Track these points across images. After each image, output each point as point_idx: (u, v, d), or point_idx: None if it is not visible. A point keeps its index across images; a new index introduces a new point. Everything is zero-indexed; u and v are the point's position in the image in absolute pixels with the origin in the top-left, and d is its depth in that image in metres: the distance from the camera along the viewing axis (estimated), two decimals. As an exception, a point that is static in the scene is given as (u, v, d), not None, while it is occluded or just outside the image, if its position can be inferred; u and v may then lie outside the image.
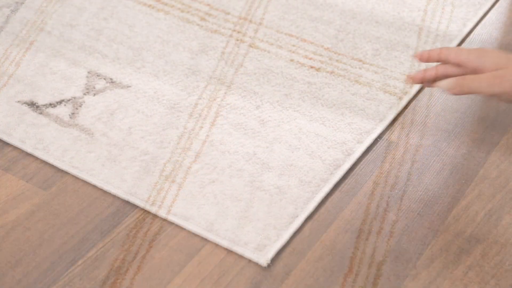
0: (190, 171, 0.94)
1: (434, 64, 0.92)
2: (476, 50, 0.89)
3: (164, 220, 0.88)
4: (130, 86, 1.07)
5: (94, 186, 0.92)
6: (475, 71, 0.88)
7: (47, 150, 0.96)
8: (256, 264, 0.84)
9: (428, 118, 1.04)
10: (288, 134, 1.00)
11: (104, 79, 1.08)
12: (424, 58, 0.92)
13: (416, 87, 1.08)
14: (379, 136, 1.00)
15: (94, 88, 1.06)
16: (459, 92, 0.88)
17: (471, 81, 0.87)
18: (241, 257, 0.84)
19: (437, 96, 1.07)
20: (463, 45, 1.17)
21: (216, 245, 0.86)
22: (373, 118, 1.03)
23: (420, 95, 1.08)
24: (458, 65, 0.89)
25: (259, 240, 0.86)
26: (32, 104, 1.03)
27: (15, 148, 0.97)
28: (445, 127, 1.02)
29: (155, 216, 0.89)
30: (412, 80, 0.92)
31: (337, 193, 0.92)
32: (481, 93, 0.87)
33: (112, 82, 1.08)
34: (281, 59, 1.13)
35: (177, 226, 0.88)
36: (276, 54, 1.14)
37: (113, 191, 0.91)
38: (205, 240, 0.86)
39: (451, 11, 1.24)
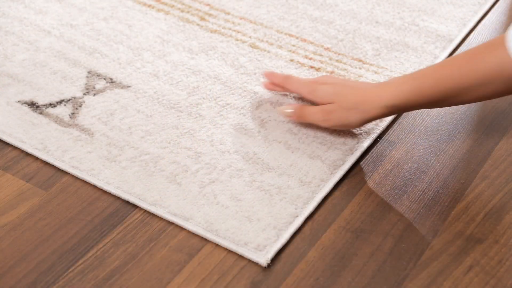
0: (190, 171, 0.94)
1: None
2: (311, 83, 0.98)
3: (164, 220, 0.88)
4: (130, 86, 1.07)
5: (94, 186, 0.92)
6: (311, 100, 0.98)
7: (47, 150, 0.96)
8: (256, 264, 0.84)
9: (428, 118, 1.04)
10: (288, 134, 1.00)
11: (104, 79, 1.08)
12: (269, 78, 1.03)
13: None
14: (379, 136, 1.00)
15: (94, 88, 1.06)
16: (296, 120, 0.99)
17: (306, 114, 0.97)
18: (241, 257, 0.84)
19: (437, 96, 1.07)
20: (463, 46, 1.17)
21: (216, 245, 0.86)
22: (373, 118, 1.03)
23: (420, 95, 1.08)
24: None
25: (259, 240, 0.86)
26: (32, 104, 1.03)
27: (15, 148, 0.97)
28: (445, 127, 1.02)
29: (155, 216, 0.89)
30: (264, 84, 1.04)
31: (337, 193, 0.92)
32: (316, 124, 0.97)
33: (112, 82, 1.08)
34: (281, 59, 1.13)
35: (177, 226, 0.88)
36: (276, 54, 1.14)
37: (113, 191, 0.91)
38: (205, 240, 0.86)
39: (451, 11, 1.24)
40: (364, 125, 0.97)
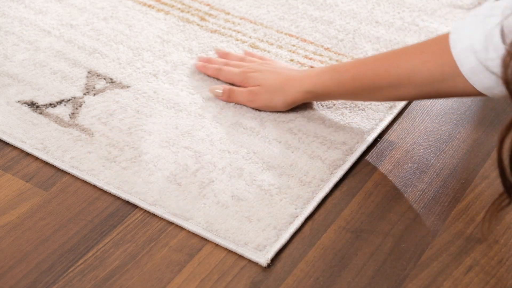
0: (190, 170, 0.94)
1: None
2: (243, 73, 1.04)
3: (164, 220, 0.88)
4: (130, 86, 1.07)
5: (94, 186, 0.92)
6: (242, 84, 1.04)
7: (47, 150, 0.96)
8: (256, 264, 0.84)
9: (428, 118, 1.04)
10: (288, 134, 1.00)
11: (104, 79, 1.08)
12: (201, 68, 1.09)
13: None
14: (379, 136, 1.00)
15: (94, 88, 1.06)
16: (226, 100, 1.03)
17: (235, 94, 1.02)
18: (241, 257, 0.84)
19: (437, 96, 1.07)
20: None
21: (216, 245, 0.86)
22: (373, 118, 1.03)
23: (420, 95, 1.08)
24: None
25: (259, 240, 0.86)
26: (32, 104, 1.03)
27: (15, 148, 0.97)
28: (445, 127, 1.02)
29: (155, 216, 0.89)
30: (197, 66, 1.09)
31: (337, 193, 0.92)
32: (244, 105, 1.03)
33: (112, 82, 1.08)
34: (281, 59, 1.13)
35: (177, 226, 0.88)
36: (276, 54, 1.14)
37: (113, 191, 0.91)
38: (205, 240, 0.86)
39: (451, 11, 1.24)
40: (289, 108, 1.01)
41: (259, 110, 1.03)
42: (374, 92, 0.94)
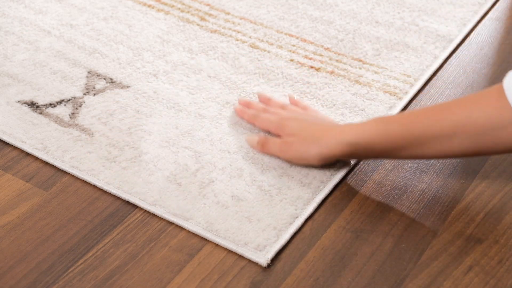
0: (190, 170, 0.94)
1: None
2: (280, 120, 0.96)
3: (164, 220, 0.88)
4: (130, 86, 1.07)
5: (94, 186, 0.92)
6: (277, 134, 0.96)
7: (47, 150, 0.96)
8: (256, 264, 0.84)
9: (428, 118, 1.04)
10: (288, 134, 1.00)
11: (104, 79, 1.08)
12: (239, 113, 1.02)
13: (417, 87, 1.08)
14: (379, 136, 1.00)
15: (94, 88, 1.06)
16: (260, 150, 0.96)
17: (269, 144, 0.95)
18: (241, 257, 0.84)
19: (437, 96, 1.07)
20: (463, 46, 1.17)
21: (216, 245, 0.86)
22: (373, 118, 1.03)
23: (420, 95, 1.08)
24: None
25: (259, 240, 0.86)
26: (32, 104, 1.03)
27: (15, 148, 0.97)
28: (445, 127, 1.02)
29: (155, 216, 0.89)
30: (235, 109, 1.02)
31: (337, 193, 0.92)
32: (277, 157, 0.95)
33: (112, 82, 1.08)
34: (281, 59, 1.13)
35: (177, 226, 0.88)
36: (276, 54, 1.14)
37: (113, 191, 0.91)
38: (205, 240, 0.86)
39: (451, 11, 1.24)
40: (323, 163, 0.93)
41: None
42: (423, 145, 0.86)
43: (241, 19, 1.21)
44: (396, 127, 0.87)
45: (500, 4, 1.27)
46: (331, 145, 0.90)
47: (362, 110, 1.04)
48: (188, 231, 0.87)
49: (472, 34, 1.20)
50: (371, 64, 1.12)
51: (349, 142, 0.89)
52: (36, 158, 0.96)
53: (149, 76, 1.09)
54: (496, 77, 1.11)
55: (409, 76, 1.10)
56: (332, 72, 1.11)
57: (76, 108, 1.03)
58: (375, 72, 1.11)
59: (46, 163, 0.95)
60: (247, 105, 1.02)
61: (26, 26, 1.18)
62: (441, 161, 0.96)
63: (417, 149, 0.87)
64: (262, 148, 0.95)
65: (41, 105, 1.03)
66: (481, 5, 1.26)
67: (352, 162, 0.96)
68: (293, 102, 1.03)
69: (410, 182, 0.94)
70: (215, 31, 1.18)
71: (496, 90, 0.82)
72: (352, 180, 0.94)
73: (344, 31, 1.19)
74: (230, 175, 0.94)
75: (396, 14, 1.23)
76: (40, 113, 1.02)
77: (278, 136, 0.96)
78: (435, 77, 1.11)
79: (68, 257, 0.84)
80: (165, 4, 1.24)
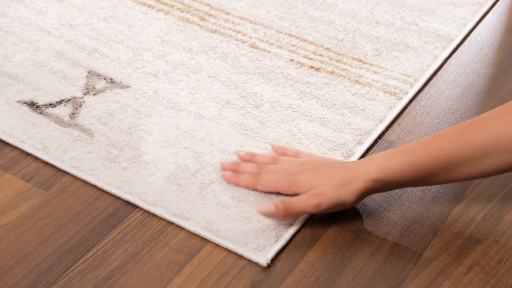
0: (191, 171, 0.94)
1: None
2: (287, 176, 0.89)
3: (164, 220, 0.88)
4: (130, 86, 1.07)
5: (94, 186, 0.92)
6: (293, 193, 0.88)
7: (47, 150, 0.96)
8: (256, 264, 0.84)
9: (428, 118, 1.04)
10: (287, 135, 1.00)
11: (104, 79, 1.08)
12: (229, 179, 0.92)
13: (417, 87, 1.08)
14: (379, 137, 1.00)
15: (94, 88, 1.06)
16: (283, 216, 0.86)
17: (293, 205, 0.86)
18: (241, 257, 0.84)
19: (437, 96, 1.07)
20: (463, 46, 1.17)
21: (216, 245, 0.86)
22: (373, 119, 1.03)
23: (420, 95, 1.08)
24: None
25: (259, 240, 0.86)
26: (32, 104, 1.03)
27: (15, 148, 0.97)
28: (445, 127, 1.02)
29: (155, 216, 0.89)
30: (225, 178, 0.92)
31: (337, 193, 0.92)
32: (307, 213, 0.88)
33: (112, 82, 1.08)
34: (281, 59, 1.13)
35: (177, 226, 0.88)
36: (276, 54, 1.14)
37: (113, 191, 0.91)
38: (205, 240, 0.86)
39: (451, 11, 1.24)
40: (360, 201, 0.88)
41: (259, 110, 1.03)
42: (452, 171, 0.83)
43: (241, 19, 1.21)
44: (423, 158, 0.83)
45: (500, 4, 1.27)
46: (360, 184, 0.85)
47: (362, 110, 1.04)
48: (188, 231, 0.87)
49: (472, 34, 1.20)
50: (371, 64, 1.12)
51: (376, 178, 0.85)
52: (36, 158, 0.96)
53: (149, 76, 1.09)
54: (496, 77, 1.11)
55: (409, 76, 1.10)
56: (332, 72, 1.11)
57: (76, 108, 1.03)
58: (375, 72, 1.11)
59: (46, 163, 0.95)
60: (234, 169, 0.93)
61: (26, 26, 1.18)
62: (441, 161, 0.96)
63: (446, 175, 0.84)
64: (286, 213, 0.86)
65: (41, 105, 1.03)
66: (481, 5, 1.26)
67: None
68: (281, 152, 0.96)
69: (410, 182, 0.94)
70: (215, 31, 1.18)
71: None
72: (352, 180, 0.94)
73: (344, 31, 1.19)
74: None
75: (396, 14, 1.23)
76: (40, 113, 1.02)
77: (292, 194, 0.89)
78: (435, 77, 1.11)
79: (68, 257, 0.83)
80: (165, 4, 1.24)
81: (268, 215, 0.86)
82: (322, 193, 0.85)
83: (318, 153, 0.97)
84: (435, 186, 0.93)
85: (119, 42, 1.15)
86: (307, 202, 0.86)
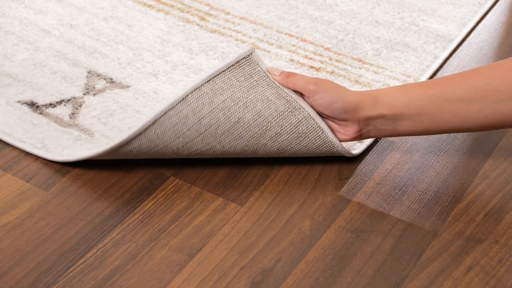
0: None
1: None
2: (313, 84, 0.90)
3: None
4: (129, 86, 1.07)
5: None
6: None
7: (47, 150, 0.96)
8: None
9: (428, 118, 1.04)
10: (288, 134, 1.00)
11: (104, 79, 1.08)
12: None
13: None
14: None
15: (94, 88, 1.06)
16: (285, 81, 0.90)
17: (297, 75, 0.90)
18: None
19: (437, 96, 1.07)
20: (463, 46, 1.17)
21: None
22: (373, 118, 1.03)
23: (420, 95, 1.08)
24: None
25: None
26: (32, 104, 1.03)
27: (15, 148, 0.97)
28: (445, 127, 1.02)
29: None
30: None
31: (337, 193, 0.92)
32: (299, 87, 0.90)
33: (112, 82, 1.08)
34: (281, 59, 1.13)
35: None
36: (276, 54, 1.14)
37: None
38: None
39: (451, 11, 1.24)
40: (352, 115, 0.90)
41: None
42: (441, 107, 0.85)
43: (241, 19, 1.21)
44: (416, 88, 0.87)
45: (500, 4, 1.27)
46: (357, 92, 0.89)
47: (362, 110, 1.04)
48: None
49: (472, 34, 1.20)
50: (371, 64, 1.12)
51: (369, 94, 0.88)
52: (36, 158, 0.96)
53: (149, 76, 1.09)
54: (496, 77, 1.11)
55: (409, 76, 1.10)
56: (332, 72, 1.11)
57: (76, 108, 1.03)
58: (375, 72, 1.11)
59: (46, 163, 0.95)
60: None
61: (26, 26, 1.18)
62: (441, 161, 0.96)
63: (435, 113, 0.86)
64: (286, 77, 0.91)
65: (41, 105, 1.03)
66: (481, 5, 1.26)
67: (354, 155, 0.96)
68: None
69: (410, 182, 0.94)
70: (215, 31, 1.19)
71: None
72: (352, 180, 0.94)
73: (344, 31, 1.19)
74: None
75: (396, 14, 1.23)
76: (40, 113, 1.02)
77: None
78: (435, 77, 1.11)
79: (68, 257, 0.84)
80: (165, 4, 1.24)
81: (272, 72, 0.91)
82: (326, 81, 0.90)
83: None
84: (435, 186, 0.93)
85: (119, 42, 1.15)
86: (309, 77, 0.90)
